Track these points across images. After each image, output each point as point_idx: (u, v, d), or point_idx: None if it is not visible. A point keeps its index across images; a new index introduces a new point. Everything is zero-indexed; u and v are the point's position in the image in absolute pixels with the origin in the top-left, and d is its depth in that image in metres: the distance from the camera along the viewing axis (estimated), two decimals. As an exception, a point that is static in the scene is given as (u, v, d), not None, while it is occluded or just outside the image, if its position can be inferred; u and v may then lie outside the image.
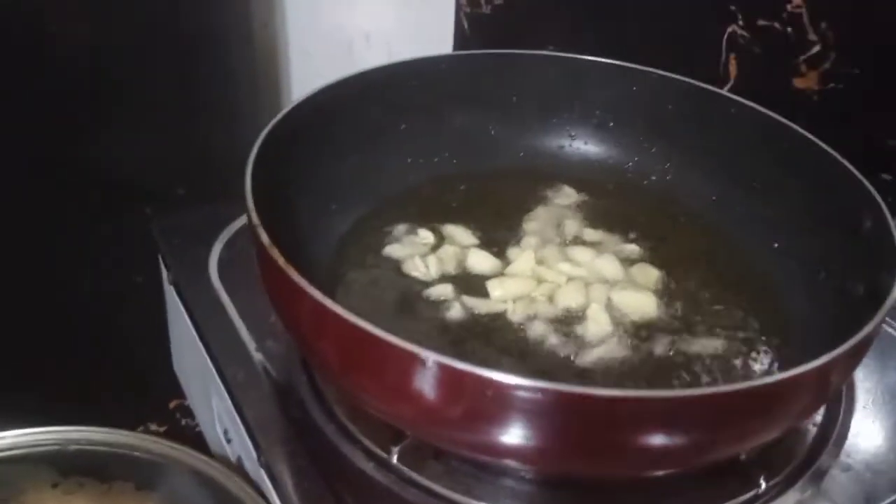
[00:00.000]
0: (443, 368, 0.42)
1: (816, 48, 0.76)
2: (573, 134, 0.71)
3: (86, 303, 0.81)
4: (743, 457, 0.51)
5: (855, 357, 0.48)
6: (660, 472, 0.48)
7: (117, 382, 0.79)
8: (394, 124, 0.67)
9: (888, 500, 0.51)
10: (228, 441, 0.59)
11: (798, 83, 0.79)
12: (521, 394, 0.41)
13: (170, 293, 0.67)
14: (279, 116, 0.57)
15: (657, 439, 0.43)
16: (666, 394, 0.42)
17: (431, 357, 0.41)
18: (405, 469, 0.50)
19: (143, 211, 0.79)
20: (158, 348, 0.74)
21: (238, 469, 0.55)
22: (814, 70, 0.79)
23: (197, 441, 0.67)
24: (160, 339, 0.73)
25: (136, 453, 0.53)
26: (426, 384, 0.43)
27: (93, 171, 0.78)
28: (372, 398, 0.48)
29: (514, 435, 0.43)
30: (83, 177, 0.78)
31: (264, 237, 0.46)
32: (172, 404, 0.80)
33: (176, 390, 0.74)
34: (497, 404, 0.42)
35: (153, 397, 0.81)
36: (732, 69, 0.85)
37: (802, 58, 0.77)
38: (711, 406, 0.42)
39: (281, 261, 0.45)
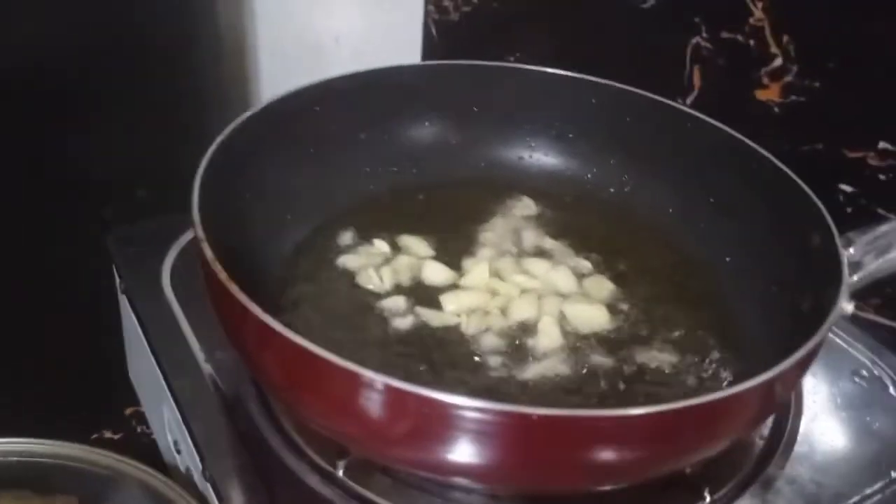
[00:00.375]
0: (385, 388, 0.41)
1: (778, 61, 0.77)
2: (533, 145, 0.71)
3: (43, 306, 0.80)
4: (688, 470, 0.51)
5: (800, 370, 0.49)
6: (604, 488, 0.48)
7: (73, 389, 0.78)
8: (353, 134, 0.67)
9: (829, 515, 0.52)
10: (178, 452, 0.59)
11: (760, 95, 0.80)
12: (462, 413, 0.41)
13: (123, 302, 0.66)
14: (232, 126, 0.57)
15: (600, 456, 0.43)
16: (608, 413, 0.42)
17: (372, 376, 0.41)
18: (351, 483, 0.50)
19: (102, 213, 0.78)
20: (115, 354, 0.73)
21: (186, 482, 0.55)
22: (776, 82, 0.79)
23: (151, 449, 0.66)
24: (117, 345, 0.73)
25: (82, 465, 0.52)
26: (368, 403, 0.43)
27: (51, 172, 0.77)
28: (315, 415, 0.48)
29: (456, 453, 0.43)
30: (40, 178, 0.77)
31: (208, 252, 0.46)
32: (128, 411, 0.80)
33: (132, 397, 0.73)
34: (438, 423, 0.42)
35: (109, 404, 0.80)
36: (697, 80, 0.85)
37: (765, 70, 0.78)
38: (654, 423, 0.42)
39: (223, 276, 0.45)
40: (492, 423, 0.41)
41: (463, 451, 0.43)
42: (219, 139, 0.55)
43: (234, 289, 0.44)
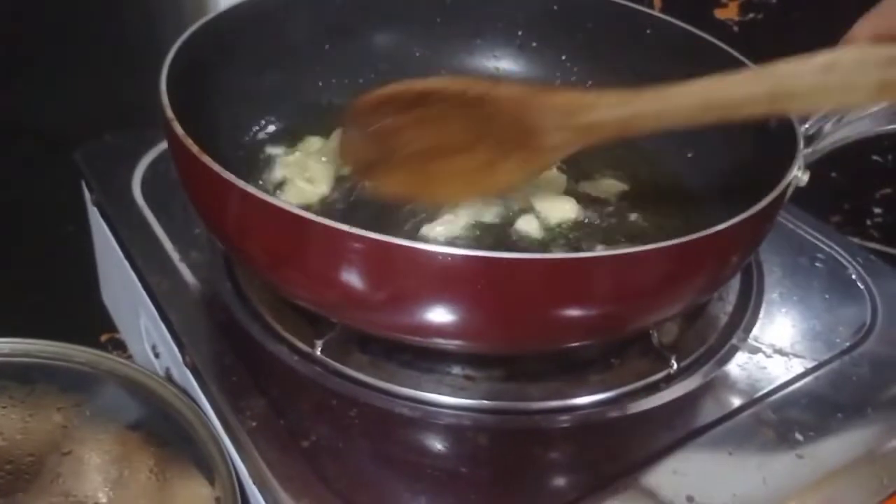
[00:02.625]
0: (373, 244, 0.42)
1: (736, -22, 0.78)
2: (497, 55, 0.72)
3: (16, 251, 0.80)
4: (657, 342, 0.53)
5: (755, 229, 0.50)
6: (574, 344, 0.49)
7: (48, 320, 0.78)
8: (318, 44, 0.67)
9: (785, 379, 0.54)
10: (157, 356, 0.59)
11: (719, 14, 0.81)
12: (442, 260, 0.42)
13: (93, 215, 0.66)
14: (201, 22, 0.57)
15: (567, 305, 0.45)
16: (573, 256, 0.44)
17: (361, 233, 0.42)
18: (329, 360, 0.51)
19: (70, 157, 0.78)
20: (88, 287, 0.73)
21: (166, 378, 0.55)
22: (734, 1, 0.81)
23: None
24: (90, 280, 0.73)
25: (60, 362, 0.52)
26: (354, 263, 0.43)
27: (18, 119, 0.76)
28: (300, 289, 0.48)
29: (434, 308, 0.44)
30: (8, 126, 0.76)
31: (178, 129, 0.46)
32: (104, 338, 0.80)
33: (107, 324, 0.74)
34: (418, 276, 0.43)
35: (84, 332, 0.80)
36: (658, 1, 0.86)
37: (723, -13, 0.79)
38: (618, 267, 0.44)
39: (195, 149, 0.45)
40: (466, 271, 0.42)
41: (440, 306, 0.44)
42: (187, 34, 0.55)
43: (210, 162, 0.45)
